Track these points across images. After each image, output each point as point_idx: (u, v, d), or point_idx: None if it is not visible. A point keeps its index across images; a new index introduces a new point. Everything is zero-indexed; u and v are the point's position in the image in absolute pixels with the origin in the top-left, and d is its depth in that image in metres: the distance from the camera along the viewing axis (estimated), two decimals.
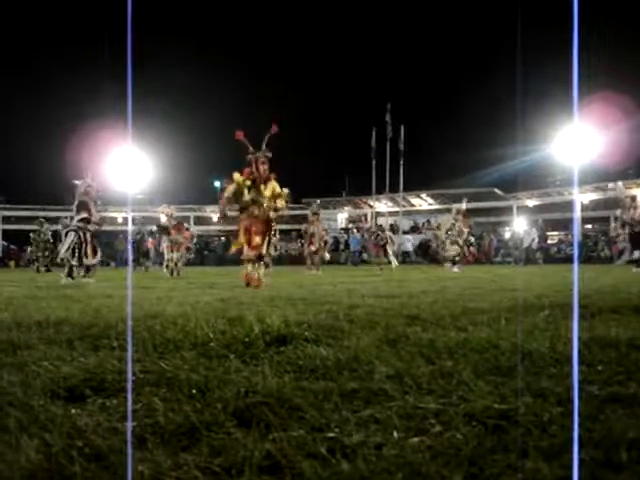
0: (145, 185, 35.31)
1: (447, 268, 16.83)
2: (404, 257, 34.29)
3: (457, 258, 17.06)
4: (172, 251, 16.15)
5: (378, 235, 21.44)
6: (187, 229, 18.84)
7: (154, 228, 17.84)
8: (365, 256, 25.33)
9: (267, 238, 9.37)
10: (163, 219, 16.92)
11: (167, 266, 16.07)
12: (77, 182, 11.90)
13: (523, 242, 30.21)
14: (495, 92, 35.05)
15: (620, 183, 14.57)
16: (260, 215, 9.17)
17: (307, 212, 19.91)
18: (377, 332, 3.32)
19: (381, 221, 35.89)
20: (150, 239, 19.05)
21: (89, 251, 11.66)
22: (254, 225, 9.19)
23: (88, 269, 11.68)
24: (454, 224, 17.33)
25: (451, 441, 1.53)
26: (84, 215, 11.65)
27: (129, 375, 2.19)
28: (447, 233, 17.53)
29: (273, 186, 9.27)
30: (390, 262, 20.31)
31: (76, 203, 11.80)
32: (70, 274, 11.44)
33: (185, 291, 7.74)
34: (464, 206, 17.79)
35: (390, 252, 20.91)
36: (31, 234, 22.94)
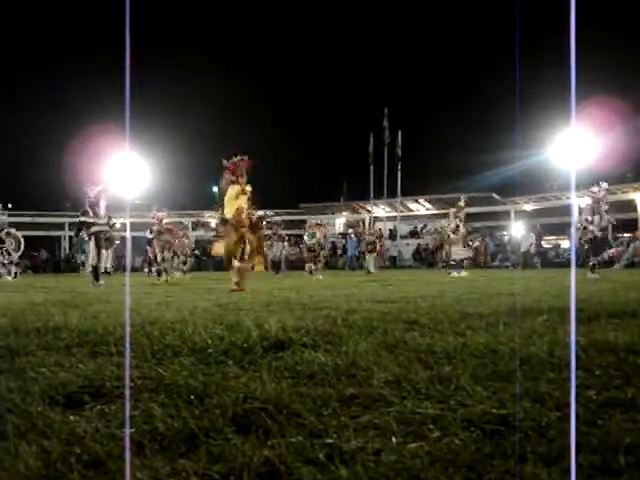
0: (143, 191, 35.28)
1: (453, 272, 16.75)
2: (392, 261, 34.32)
3: (464, 259, 17.03)
4: (162, 251, 16.13)
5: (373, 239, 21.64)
6: (184, 234, 18.81)
7: (149, 235, 17.82)
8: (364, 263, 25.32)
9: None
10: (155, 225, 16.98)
11: (157, 269, 16.03)
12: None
13: (521, 246, 30.20)
14: (492, 97, 35.14)
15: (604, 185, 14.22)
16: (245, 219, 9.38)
17: (306, 217, 19.97)
18: (375, 337, 3.32)
19: (379, 226, 35.96)
20: (149, 248, 18.98)
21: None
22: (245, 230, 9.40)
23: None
24: (457, 221, 17.23)
25: (449, 446, 1.54)
26: (83, 219, 11.87)
27: (127, 381, 2.19)
28: (453, 233, 17.41)
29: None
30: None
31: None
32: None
33: (183, 297, 7.74)
34: (462, 203, 17.70)
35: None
36: None
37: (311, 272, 17.07)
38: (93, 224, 11.87)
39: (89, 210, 11.88)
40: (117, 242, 19.16)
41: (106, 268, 12.40)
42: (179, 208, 37.33)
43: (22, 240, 19.08)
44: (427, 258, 34.11)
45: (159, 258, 16.08)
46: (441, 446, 1.54)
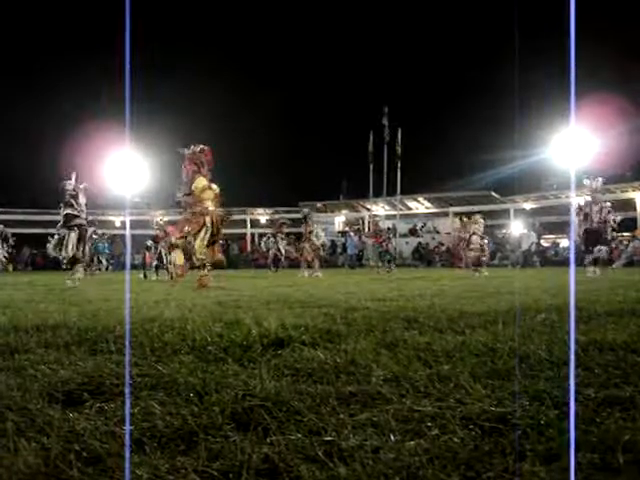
0: (143, 189, 35.24)
1: (470, 271, 16.99)
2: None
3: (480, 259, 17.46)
4: (169, 253, 16.21)
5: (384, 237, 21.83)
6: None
7: (149, 242, 17.87)
8: (365, 261, 25.37)
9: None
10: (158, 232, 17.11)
11: (167, 268, 16.11)
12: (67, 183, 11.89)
13: (521, 245, 30.21)
14: (492, 96, 35.12)
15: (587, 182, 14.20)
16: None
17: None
18: (374, 335, 3.32)
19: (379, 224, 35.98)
20: (147, 253, 18.96)
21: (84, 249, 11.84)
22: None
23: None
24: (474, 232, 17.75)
25: (448, 444, 1.54)
26: (68, 211, 11.74)
27: (127, 379, 2.20)
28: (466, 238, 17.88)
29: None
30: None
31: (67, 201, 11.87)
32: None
33: (182, 294, 7.74)
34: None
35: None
36: None
37: (312, 271, 17.00)
38: (77, 217, 11.78)
39: (73, 202, 11.76)
40: (95, 237, 19.31)
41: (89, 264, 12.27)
42: (177, 207, 37.25)
43: None
44: (426, 256, 34.15)
45: (165, 260, 16.15)
46: (440, 444, 1.54)
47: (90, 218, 12.50)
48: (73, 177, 11.88)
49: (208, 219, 9.43)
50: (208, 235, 9.44)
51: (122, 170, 30.79)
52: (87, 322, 3.99)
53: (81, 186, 11.90)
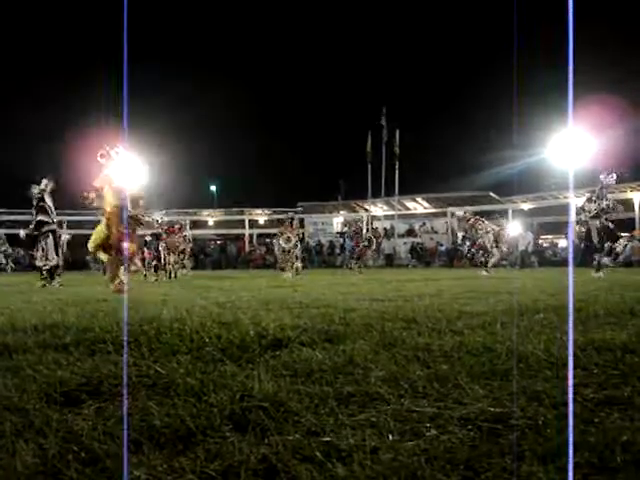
0: (141, 189, 35.19)
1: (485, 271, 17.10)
2: (389, 260, 34.47)
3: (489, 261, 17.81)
4: (169, 254, 16.24)
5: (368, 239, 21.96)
6: (181, 231, 18.74)
7: (148, 238, 17.81)
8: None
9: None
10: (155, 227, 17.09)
11: (165, 270, 16.15)
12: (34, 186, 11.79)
13: (518, 245, 30.22)
14: (490, 96, 35.14)
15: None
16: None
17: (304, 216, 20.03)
18: (373, 336, 3.32)
19: (376, 225, 36.00)
20: (147, 250, 18.89)
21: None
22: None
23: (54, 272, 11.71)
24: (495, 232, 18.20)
25: (446, 445, 1.54)
26: (40, 218, 11.69)
27: (125, 379, 2.19)
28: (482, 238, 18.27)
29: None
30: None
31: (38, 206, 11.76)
32: (52, 277, 11.52)
33: (181, 295, 7.73)
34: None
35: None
36: None
37: (297, 271, 16.89)
38: (49, 222, 11.70)
39: (45, 206, 11.65)
40: (64, 239, 19.41)
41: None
42: (176, 207, 37.28)
43: None
44: (425, 257, 34.15)
45: (166, 260, 16.19)
46: (438, 444, 1.54)
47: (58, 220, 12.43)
48: (43, 182, 11.74)
49: (104, 218, 9.20)
50: (101, 234, 9.10)
51: (120, 170, 30.78)
52: (85, 322, 3.98)
53: (47, 188, 11.76)
